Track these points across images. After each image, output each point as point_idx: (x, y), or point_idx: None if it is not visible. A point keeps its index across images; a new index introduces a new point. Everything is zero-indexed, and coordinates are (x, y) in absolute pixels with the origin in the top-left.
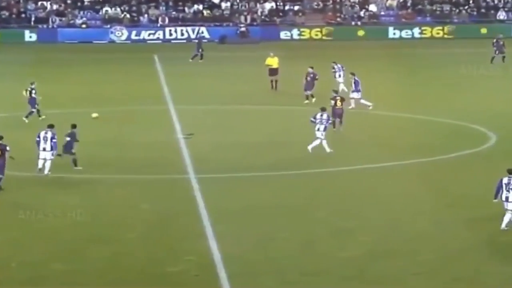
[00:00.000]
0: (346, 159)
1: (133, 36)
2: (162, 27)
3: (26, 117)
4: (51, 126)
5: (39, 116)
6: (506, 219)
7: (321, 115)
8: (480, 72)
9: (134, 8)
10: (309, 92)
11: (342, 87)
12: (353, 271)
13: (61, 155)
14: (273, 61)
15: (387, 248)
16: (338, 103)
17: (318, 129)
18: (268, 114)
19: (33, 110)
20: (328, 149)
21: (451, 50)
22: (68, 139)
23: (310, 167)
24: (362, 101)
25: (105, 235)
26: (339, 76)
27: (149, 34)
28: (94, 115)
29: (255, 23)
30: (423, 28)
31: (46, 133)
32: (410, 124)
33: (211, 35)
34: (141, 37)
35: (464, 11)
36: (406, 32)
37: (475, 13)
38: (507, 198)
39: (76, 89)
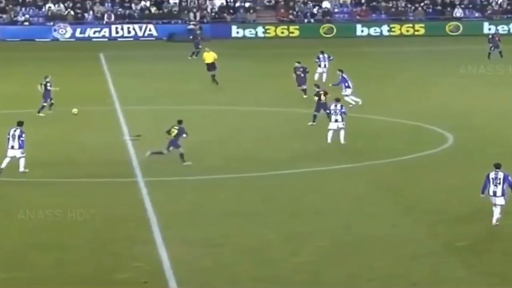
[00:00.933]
0: (301, 161)
1: (77, 34)
2: (108, 24)
3: (39, 112)
4: (20, 124)
5: (50, 109)
6: (495, 214)
7: (335, 105)
8: (439, 72)
9: (78, 4)
10: (304, 87)
11: (323, 76)
12: (307, 276)
13: (169, 150)
14: (208, 56)
15: (342, 253)
16: (322, 97)
17: (336, 120)
18: (219, 114)
19: (45, 104)
20: (343, 141)
21: (419, 48)
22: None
23: (263, 169)
24: (352, 97)
25: (50, 241)
26: (324, 66)
27: (95, 32)
28: (74, 110)
29: (205, 20)
30: (391, 25)
31: (15, 130)
32: (367, 125)
33: (159, 32)
34: (86, 34)
35: (420, 8)
36: (375, 29)
37: (431, 10)
38: (494, 192)
39: (17, 89)
